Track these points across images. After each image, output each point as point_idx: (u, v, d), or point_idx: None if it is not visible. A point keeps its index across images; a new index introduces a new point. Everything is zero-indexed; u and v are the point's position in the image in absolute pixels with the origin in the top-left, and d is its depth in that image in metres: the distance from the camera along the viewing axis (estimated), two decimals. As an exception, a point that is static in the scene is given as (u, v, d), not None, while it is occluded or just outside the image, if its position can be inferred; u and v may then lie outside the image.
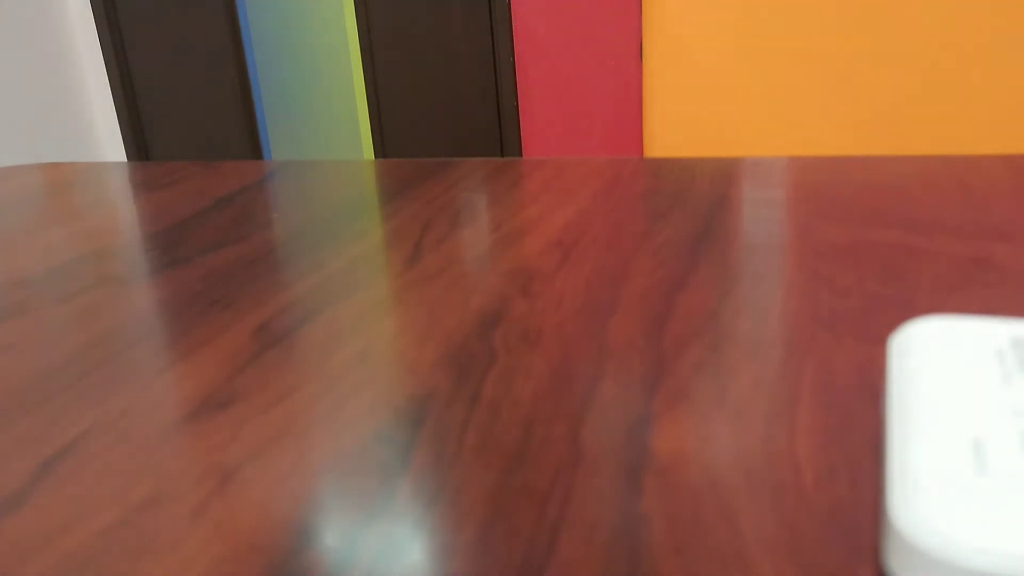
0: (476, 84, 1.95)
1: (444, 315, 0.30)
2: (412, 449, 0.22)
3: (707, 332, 0.27)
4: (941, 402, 0.19)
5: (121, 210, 0.46)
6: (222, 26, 2.09)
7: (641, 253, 0.34)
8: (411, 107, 2.02)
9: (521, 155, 1.96)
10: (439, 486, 0.20)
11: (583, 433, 0.22)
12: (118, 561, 0.18)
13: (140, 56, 2.18)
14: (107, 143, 2.32)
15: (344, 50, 2.06)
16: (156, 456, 0.22)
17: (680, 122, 1.85)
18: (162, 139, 2.25)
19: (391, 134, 2.06)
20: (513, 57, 1.89)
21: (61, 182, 0.54)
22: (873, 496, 0.19)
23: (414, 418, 0.23)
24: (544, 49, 1.86)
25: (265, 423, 0.23)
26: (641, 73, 1.83)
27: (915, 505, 0.16)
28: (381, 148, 2.08)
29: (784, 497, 0.19)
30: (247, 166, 0.54)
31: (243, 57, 2.12)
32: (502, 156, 1.63)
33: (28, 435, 0.24)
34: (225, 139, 2.19)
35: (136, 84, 2.21)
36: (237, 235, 0.40)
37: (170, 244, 0.40)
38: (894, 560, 0.16)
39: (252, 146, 2.18)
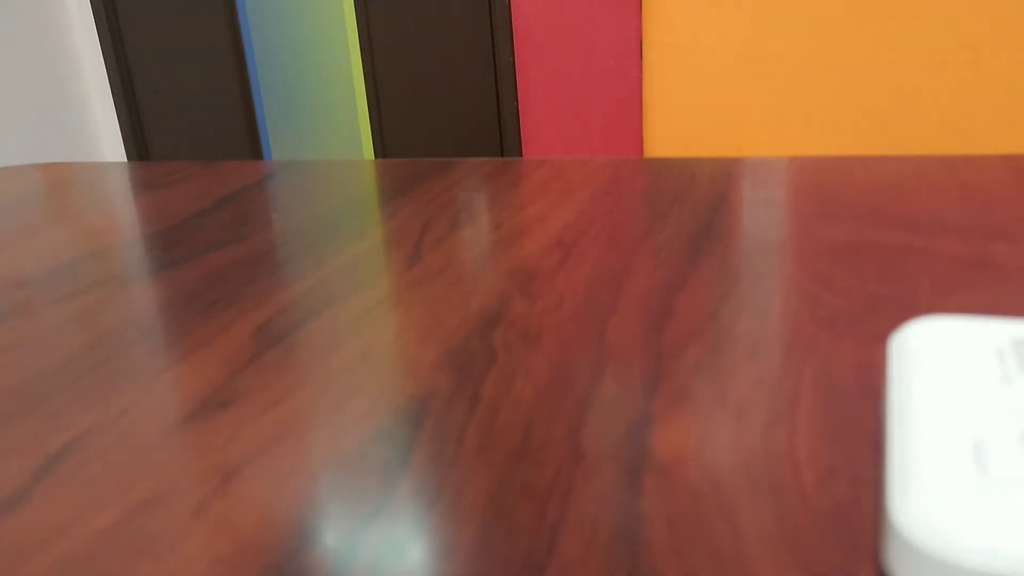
0: (476, 84, 1.95)
1: (444, 315, 0.30)
2: (412, 449, 0.22)
3: (707, 332, 0.27)
4: (941, 402, 0.19)
5: (121, 210, 0.46)
6: (222, 26, 2.09)
7: (641, 253, 0.34)
8: (411, 107, 2.02)
9: (521, 155, 1.96)
10: (439, 486, 0.20)
11: (583, 433, 0.22)
12: (118, 561, 0.18)
13: (140, 56, 2.18)
14: (107, 143, 2.32)
15: (344, 50, 2.05)
16: (156, 456, 0.22)
17: (680, 122, 1.85)
18: (162, 139, 2.24)
19: (391, 134, 2.06)
20: (513, 57, 1.89)
21: (61, 182, 0.54)
22: (873, 496, 0.19)
23: (414, 418, 0.23)
24: (544, 49, 1.86)
25: (265, 423, 0.23)
26: (641, 73, 1.83)
27: (915, 505, 0.16)
28: (381, 148, 2.08)
29: (784, 497, 0.19)
30: (247, 166, 0.54)
31: (243, 57, 2.11)
32: (502, 156, 1.63)
33: (28, 435, 0.24)
34: (225, 139, 2.19)
35: (136, 84, 2.21)
36: (237, 235, 0.40)
37: (170, 244, 0.40)
38: (894, 560, 0.16)
39: (252, 146, 2.18)
